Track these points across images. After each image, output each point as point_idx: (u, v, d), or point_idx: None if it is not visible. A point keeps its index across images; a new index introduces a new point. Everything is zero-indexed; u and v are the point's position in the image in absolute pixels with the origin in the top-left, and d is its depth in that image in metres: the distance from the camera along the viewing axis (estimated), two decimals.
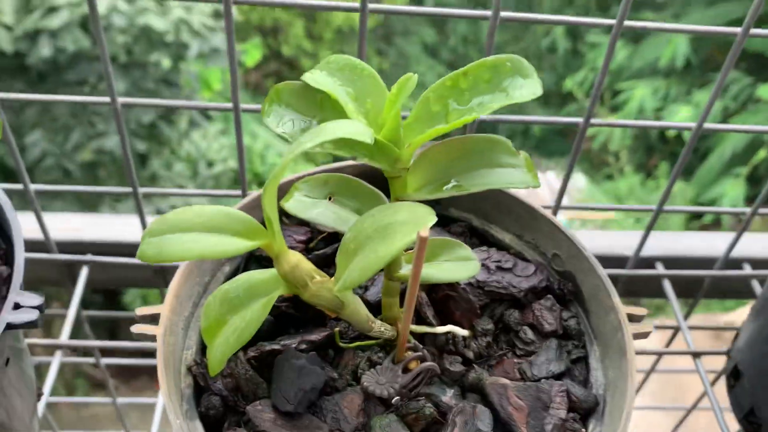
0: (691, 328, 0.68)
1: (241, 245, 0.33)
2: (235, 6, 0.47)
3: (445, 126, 0.34)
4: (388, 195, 0.39)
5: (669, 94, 4.39)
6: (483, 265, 0.43)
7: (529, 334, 0.41)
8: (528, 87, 0.35)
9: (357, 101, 0.37)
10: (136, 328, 0.37)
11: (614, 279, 0.66)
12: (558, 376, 0.40)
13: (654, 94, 4.40)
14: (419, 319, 0.41)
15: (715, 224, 4.36)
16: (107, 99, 0.51)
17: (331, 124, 0.31)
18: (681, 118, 3.78)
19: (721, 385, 0.63)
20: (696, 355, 0.61)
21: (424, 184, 0.37)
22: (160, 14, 2.95)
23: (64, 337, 0.56)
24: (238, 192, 0.59)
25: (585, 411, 0.38)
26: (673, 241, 0.68)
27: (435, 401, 0.38)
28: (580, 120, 0.53)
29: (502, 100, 0.35)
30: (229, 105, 0.52)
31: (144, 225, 0.60)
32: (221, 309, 0.36)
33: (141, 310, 0.38)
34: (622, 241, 0.68)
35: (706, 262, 0.68)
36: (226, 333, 0.35)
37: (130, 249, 0.64)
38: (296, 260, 0.34)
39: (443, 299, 0.41)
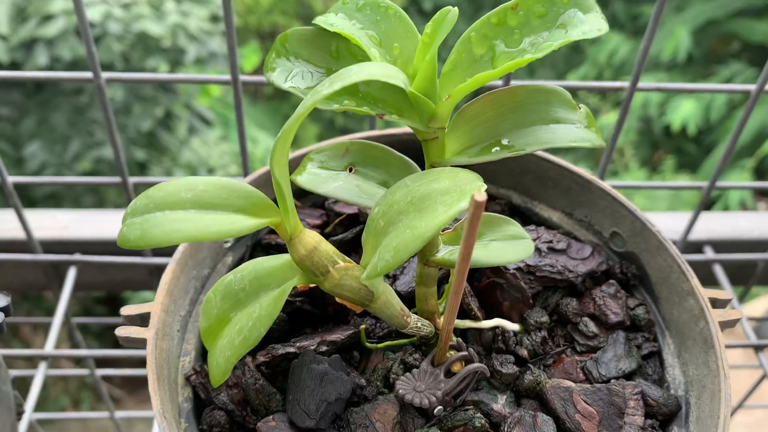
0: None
1: (245, 224, 0.26)
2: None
3: (491, 71, 0.28)
4: (420, 164, 0.33)
5: None
6: None
7: (591, 327, 0.34)
8: (590, 22, 0.29)
9: (382, 46, 0.30)
10: (121, 331, 0.31)
11: None
12: (628, 376, 0.33)
13: None
14: (461, 311, 0.34)
15: None
16: (90, 74, 0.45)
17: (354, 67, 0.25)
18: (684, 110, 3.73)
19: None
20: (758, 348, 0.54)
21: (466, 146, 0.30)
22: (155, 19, 2.90)
23: (49, 346, 0.50)
24: (239, 178, 0.52)
25: (665, 416, 0.32)
26: (722, 223, 0.62)
27: (485, 410, 0.31)
28: (626, 84, 0.47)
29: (560, 37, 0.28)
30: (228, 77, 0.46)
31: None
32: (223, 305, 0.30)
33: (127, 309, 0.31)
34: (665, 223, 0.61)
35: (758, 245, 0.62)
36: (230, 334, 0.29)
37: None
38: (315, 242, 0.28)
39: (488, 287, 0.35)
